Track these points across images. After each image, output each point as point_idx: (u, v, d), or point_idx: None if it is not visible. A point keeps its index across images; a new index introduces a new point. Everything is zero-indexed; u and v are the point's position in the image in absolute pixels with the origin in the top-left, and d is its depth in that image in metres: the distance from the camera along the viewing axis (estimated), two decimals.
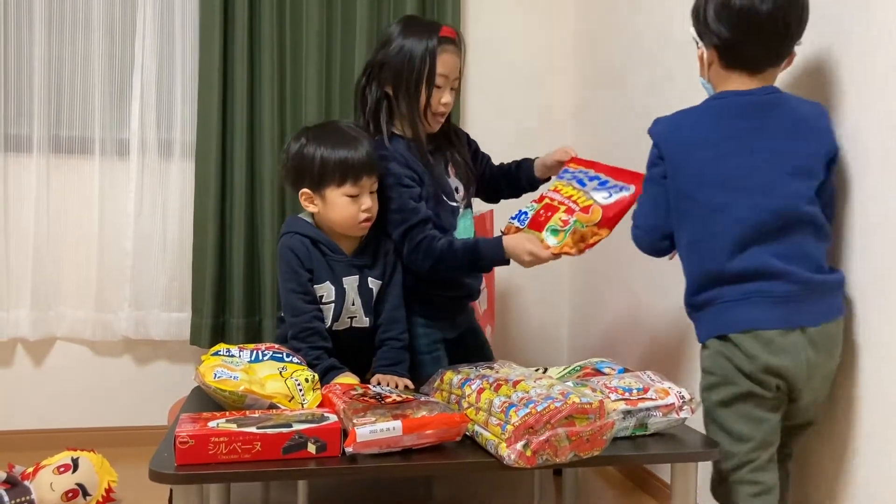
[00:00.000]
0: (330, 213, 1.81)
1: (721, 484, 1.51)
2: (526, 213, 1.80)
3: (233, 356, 1.57)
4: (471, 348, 2.02)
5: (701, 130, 1.53)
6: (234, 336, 2.69)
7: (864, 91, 1.53)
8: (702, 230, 1.50)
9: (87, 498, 2.14)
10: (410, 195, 1.83)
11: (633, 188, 1.75)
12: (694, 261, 1.54)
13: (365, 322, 1.90)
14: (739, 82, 1.51)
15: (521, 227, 1.78)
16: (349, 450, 1.31)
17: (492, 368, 1.58)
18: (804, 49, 1.59)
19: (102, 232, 2.71)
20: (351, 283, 1.86)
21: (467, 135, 2.09)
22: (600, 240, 1.74)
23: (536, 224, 1.76)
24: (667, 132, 1.58)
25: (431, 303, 1.95)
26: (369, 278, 1.88)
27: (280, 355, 1.61)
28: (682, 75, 2.21)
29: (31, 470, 2.13)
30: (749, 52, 1.50)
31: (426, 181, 1.87)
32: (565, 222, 1.72)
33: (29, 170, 2.64)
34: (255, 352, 1.61)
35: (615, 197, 1.74)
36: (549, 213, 1.75)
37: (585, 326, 2.89)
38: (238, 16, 2.64)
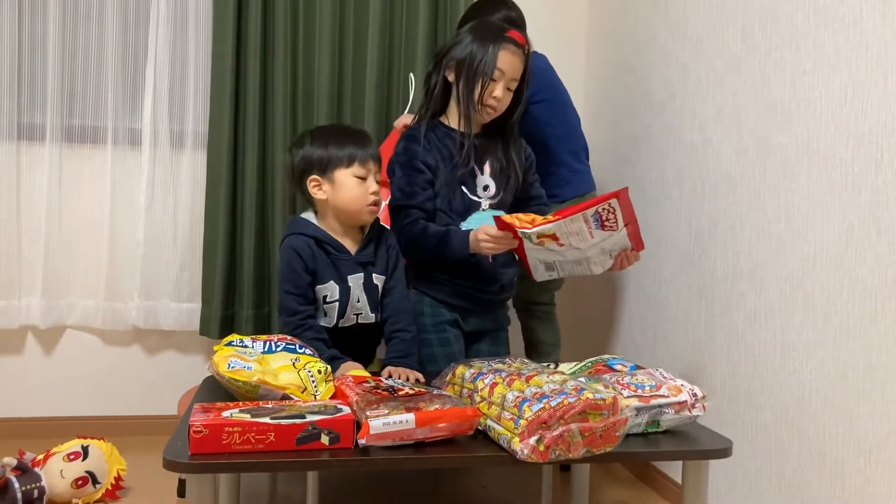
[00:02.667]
0: (339, 196, 1.85)
1: None
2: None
3: (246, 347, 1.58)
4: (484, 354, 2.03)
5: None
6: (244, 327, 2.70)
7: None
8: None
9: (97, 486, 2.15)
10: (416, 179, 1.93)
11: (614, 200, 1.67)
12: None
13: (371, 318, 1.93)
14: None
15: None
16: (362, 442, 1.31)
17: (504, 363, 1.58)
18: None
19: (114, 222, 2.72)
20: (356, 280, 1.90)
21: (528, 149, 2.14)
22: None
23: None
24: None
25: (446, 291, 1.99)
26: (374, 275, 1.92)
27: (293, 346, 1.61)
28: (696, 71, 2.21)
29: (41, 457, 2.14)
30: None
31: (441, 171, 1.95)
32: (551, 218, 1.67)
33: (42, 159, 2.66)
34: (268, 343, 1.61)
35: (619, 218, 1.71)
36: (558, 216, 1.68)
37: (593, 325, 2.89)
38: (252, 8, 2.64)
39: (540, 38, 2.50)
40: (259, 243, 2.70)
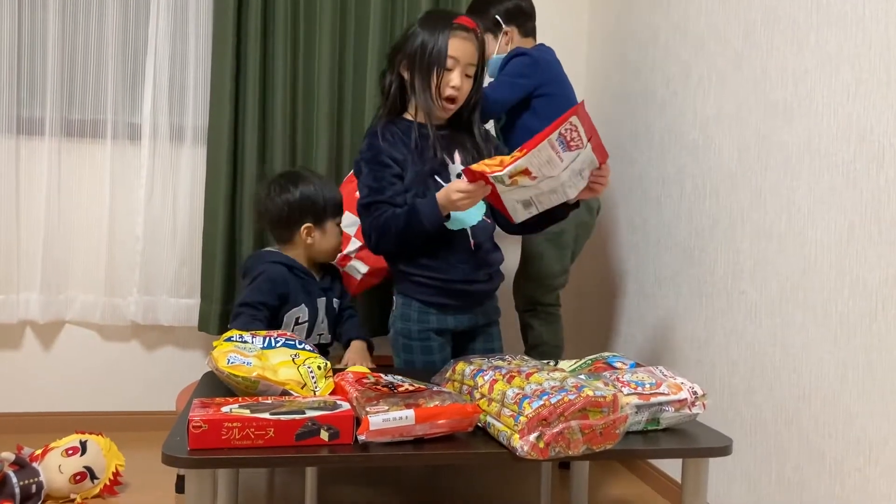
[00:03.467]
0: (325, 243, 2.16)
1: None
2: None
3: (246, 342, 1.57)
4: (478, 351, 2.00)
5: None
6: None
7: None
8: None
9: (95, 481, 2.14)
10: (384, 174, 1.88)
11: (574, 117, 1.62)
12: None
13: (328, 338, 2.21)
14: None
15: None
16: (362, 438, 1.30)
17: (504, 360, 1.57)
18: None
19: (113, 216, 2.72)
20: (322, 304, 2.17)
21: (497, 141, 2.13)
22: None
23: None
24: None
25: (430, 291, 1.93)
26: (333, 299, 2.21)
27: (293, 342, 1.61)
28: (697, 70, 2.21)
29: (39, 452, 2.13)
30: None
31: (410, 164, 1.89)
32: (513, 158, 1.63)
33: (41, 153, 2.65)
34: (267, 338, 1.60)
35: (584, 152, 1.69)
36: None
37: (593, 322, 2.89)
38: (252, 2, 2.63)
39: (541, 35, 2.51)
40: (258, 239, 2.70)
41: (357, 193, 1.98)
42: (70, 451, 2.12)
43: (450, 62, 1.85)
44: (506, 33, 2.41)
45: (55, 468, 2.09)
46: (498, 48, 2.41)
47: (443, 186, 1.84)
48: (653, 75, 2.48)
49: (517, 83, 2.33)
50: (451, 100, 1.89)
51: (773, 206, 1.87)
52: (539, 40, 2.50)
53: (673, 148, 2.34)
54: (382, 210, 1.86)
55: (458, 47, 1.86)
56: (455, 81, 1.87)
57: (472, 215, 1.92)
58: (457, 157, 1.96)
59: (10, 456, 2.06)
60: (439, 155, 1.91)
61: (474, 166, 1.67)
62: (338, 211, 2.17)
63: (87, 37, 2.67)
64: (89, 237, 2.72)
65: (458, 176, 1.91)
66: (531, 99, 2.34)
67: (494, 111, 2.32)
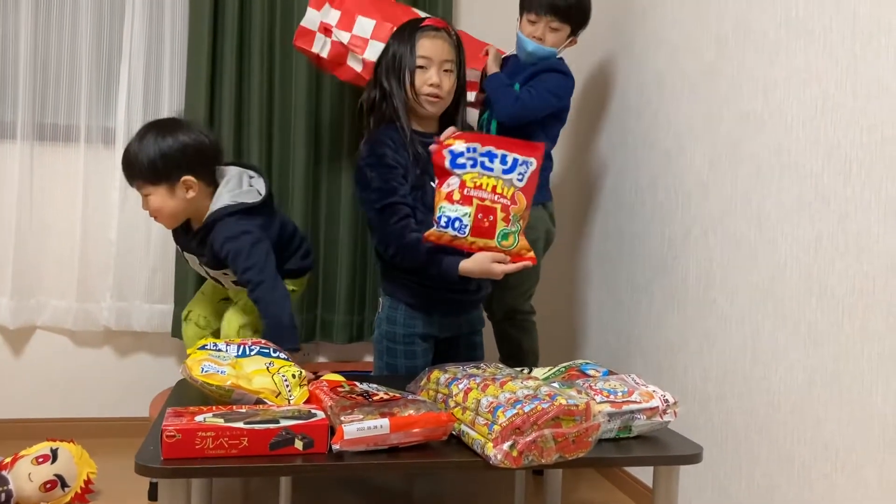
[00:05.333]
0: (201, 199, 2.01)
1: None
2: (460, 219, 1.71)
3: (220, 350, 1.57)
4: (460, 358, 1.99)
5: None
6: None
7: None
8: None
9: (66, 489, 2.12)
10: (391, 175, 1.88)
11: (534, 161, 1.76)
12: None
13: None
14: None
15: (462, 235, 1.71)
16: (336, 447, 1.31)
17: (479, 368, 1.59)
18: None
19: (86, 221, 2.69)
20: (194, 262, 2.14)
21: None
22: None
23: (482, 231, 1.71)
24: None
25: (419, 295, 1.95)
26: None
27: (267, 350, 1.60)
28: (670, 79, 2.24)
29: (8, 460, 2.11)
30: None
31: (410, 168, 1.91)
32: (509, 221, 1.72)
33: (12, 157, 2.62)
34: (241, 346, 1.60)
35: (526, 176, 1.75)
36: (491, 217, 1.71)
37: (567, 329, 2.91)
38: (228, 6, 2.62)
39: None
40: None
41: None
42: (40, 459, 2.10)
43: (423, 62, 1.89)
44: (574, 41, 2.36)
45: (25, 476, 2.06)
46: (558, 42, 2.31)
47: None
48: (627, 83, 2.51)
49: (552, 102, 2.27)
50: (434, 96, 1.91)
51: (743, 215, 1.90)
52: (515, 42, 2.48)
53: (647, 156, 2.37)
54: (401, 213, 1.85)
55: (429, 46, 1.90)
56: (433, 79, 1.89)
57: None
58: None
59: None
60: (423, 162, 1.91)
61: (516, 254, 1.74)
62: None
63: (60, 40, 2.65)
64: (62, 242, 2.69)
65: None
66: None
67: (524, 117, 2.24)
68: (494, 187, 1.72)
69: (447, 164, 1.74)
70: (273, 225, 2.08)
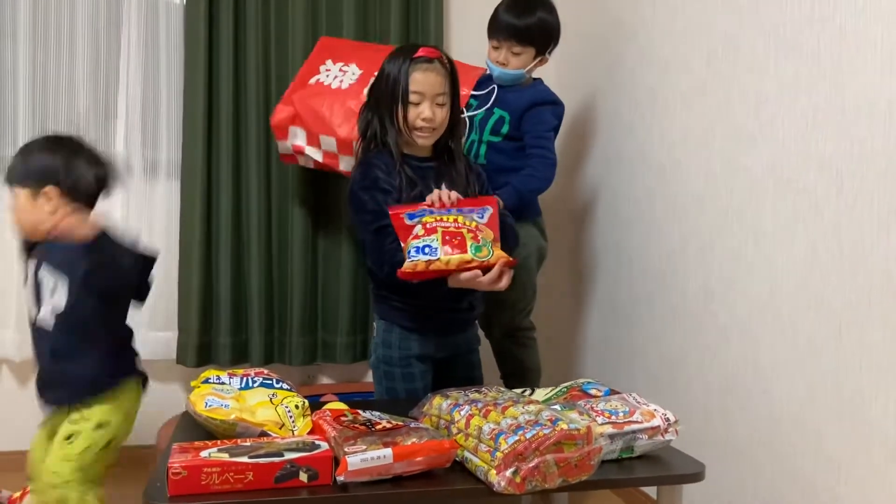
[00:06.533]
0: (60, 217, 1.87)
1: None
2: (429, 245, 1.68)
3: (223, 384, 1.58)
4: (459, 379, 1.96)
5: None
6: (221, 355, 2.70)
7: None
8: None
9: None
10: (385, 198, 1.87)
11: (490, 208, 1.78)
12: None
13: (33, 316, 1.94)
14: None
15: (435, 256, 1.67)
16: (340, 478, 1.32)
17: (480, 393, 1.59)
18: None
19: None
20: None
21: (481, 170, 2.08)
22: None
23: (454, 248, 1.68)
24: None
25: (412, 316, 1.94)
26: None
27: (270, 381, 1.62)
28: (662, 94, 2.25)
29: (17, 495, 2.11)
30: None
31: (405, 189, 1.90)
32: (478, 240, 1.70)
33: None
34: (244, 378, 1.61)
35: (486, 216, 1.77)
36: (458, 238, 1.69)
37: (569, 345, 2.92)
38: (223, 35, 2.65)
39: None
40: (234, 270, 2.70)
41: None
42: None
43: (415, 97, 1.86)
44: (544, 60, 2.36)
45: None
46: (523, 64, 2.31)
47: None
48: (620, 99, 2.53)
49: (553, 137, 2.33)
50: (425, 130, 1.89)
51: (739, 228, 1.91)
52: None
53: (642, 170, 2.38)
54: (394, 234, 1.80)
55: (421, 80, 1.86)
56: (426, 114, 1.86)
57: None
58: (445, 185, 1.93)
59: None
60: (417, 188, 1.91)
61: (494, 259, 1.69)
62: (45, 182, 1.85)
63: (58, 72, 2.67)
64: None
65: None
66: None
67: (553, 174, 2.29)
68: (456, 219, 1.72)
69: (406, 220, 1.74)
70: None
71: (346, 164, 2.33)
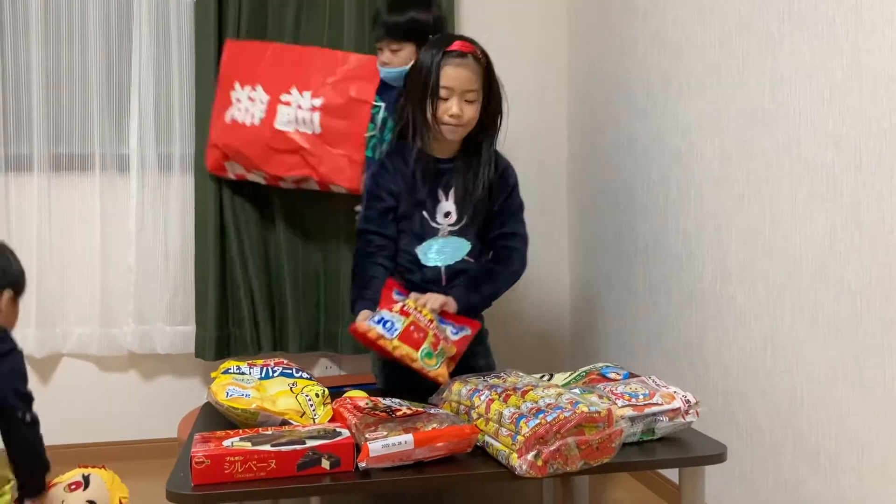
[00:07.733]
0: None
1: None
2: (392, 322, 1.69)
3: (243, 374, 1.59)
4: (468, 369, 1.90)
5: None
6: (238, 347, 2.71)
7: None
8: None
9: None
10: (376, 205, 1.95)
11: (469, 329, 1.84)
12: None
13: None
14: None
15: (389, 336, 1.67)
16: (362, 465, 1.32)
17: (499, 378, 1.60)
18: None
19: (105, 248, 2.73)
20: None
21: (506, 169, 2.01)
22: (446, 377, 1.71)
23: (409, 341, 1.67)
24: None
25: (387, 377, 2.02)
26: None
27: (290, 371, 1.63)
28: (676, 78, 2.24)
29: None
30: None
31: (405, 195, 1.93)
32: (436, 348, 1.69)
33: (30, 188, 2.67)
34: (264, 368, 1.62)
35: (459, 335, 1.81)
36: (421, 335, 1.69)
37: (587, 331, 2.92)
38: (232, 29, 2.65)
39: (520, 40, 2.51)
40: (251, 264, 2.71)
41: None
42: (73, 486, 2.12)
43: (444, 92, 1.83)
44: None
45: None
46: (404, 61, 2.19)
47: (427, 221, 1.92)
48: (633, 84, 2.51)
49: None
50: (452, 125, 1.86)
51: (756, 210, 1.90)
52: (518, 46, 2.42)
53: (656, 155, 2.37)
54: (368, 242, 1.93)
55: (452, 75, 1.83)
56: (453, 110, 1.84)
57: (448, 256, 1.95)
58: (452, 193, 1.95)
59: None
60: (425, 187, 1.92)
61: (434, 373, 1.68)
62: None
63: (71, 70, 2.69)
64: (82, 270, 2.73)
65: (446, 215, 1.95)
66: None
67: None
68: (431, 320, 1.72)
69: (393, 296, 1.85)
70: None
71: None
